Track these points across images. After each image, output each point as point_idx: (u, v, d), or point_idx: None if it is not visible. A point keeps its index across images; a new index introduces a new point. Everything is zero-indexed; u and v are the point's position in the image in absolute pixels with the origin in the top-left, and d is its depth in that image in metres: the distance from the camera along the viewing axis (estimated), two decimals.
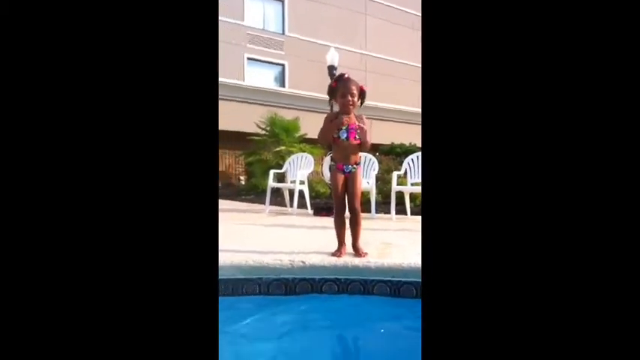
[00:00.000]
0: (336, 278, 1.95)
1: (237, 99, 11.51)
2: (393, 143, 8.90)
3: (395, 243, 2.69)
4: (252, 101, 12.28)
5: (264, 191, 5.58)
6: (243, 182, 10.20)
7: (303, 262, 2.01)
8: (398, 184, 4.43)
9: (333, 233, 2.24)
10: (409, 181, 4.56)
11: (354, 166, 2.22)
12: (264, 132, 8.90)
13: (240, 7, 14.98)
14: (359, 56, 16.87)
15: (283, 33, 16.23)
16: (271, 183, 5.21)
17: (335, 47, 10.72)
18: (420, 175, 4.50)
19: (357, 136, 2.18)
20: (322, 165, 5.66)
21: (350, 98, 2.12)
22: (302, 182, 5.05)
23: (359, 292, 1.91)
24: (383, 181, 5.64)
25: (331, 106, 2.26)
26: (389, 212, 4.36)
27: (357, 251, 2.17)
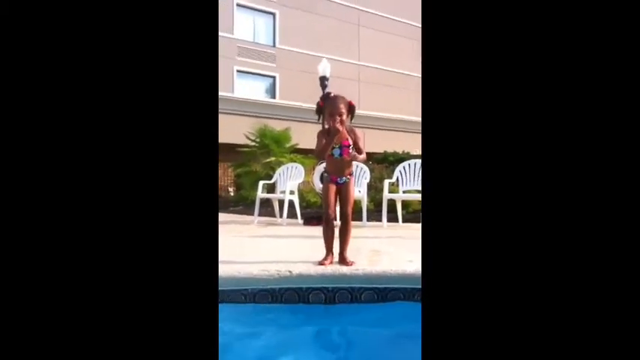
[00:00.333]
0: (324, 287, 1.90)
1: (226, 111, 11.51)
2: (385, 152, 8.92)
3: (384, 250, 2.65)
4: (241, 113, 12.27)
5: (253, 202, 5.52)
6: (232, 194, 10.14)
7: (290, 271, 1.96)
8: (390, 192, 4.42)
9: (322, 242, 2.21)
10: (401, 188, 4.55)
11: (347, 177, 2.25)
12: (253, 143, 8.88)
13: (230, 20, 15.09)
14: (352, 66, 17.07)
15: (274, 45, 16.36)
16: (260, 194, 5.16)
17: (328, 58, 10.83)
18: (411, 182, 4.50)
19: (352, 152, 2.19)
20: (313, 175, 5.63)
21: (338, 118, 2.11)
22: (292, 192, 5.01)
23: (346, 300, 1.86)
24: (375, 189, 5.63)
25: (322, 123, 2.23)
26: (381, 220, 4.33)
27: (344, 261, 2.13)
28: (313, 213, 5.05)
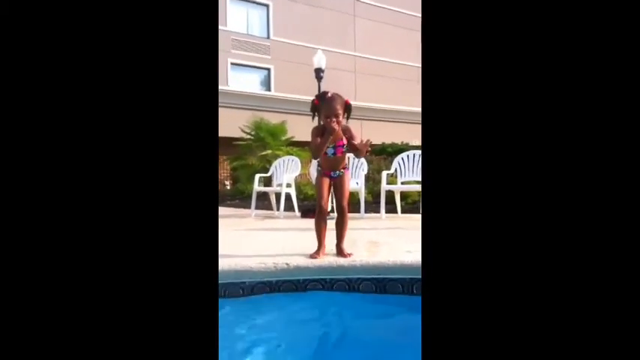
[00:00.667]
0: (321, 278, 1.88)
1: (221, 104, 11.43)
2: (384, 143, 8.90)
3: (383, 241, 2.63)
4: (236, 106, 12.19)
5: (249, 196, 5.50)
6: (228, 187, 10.11)
7: (287, 264, 1.94)
8: (388, 184, 4.40)
9: None
10: (399, 179, 4.54)
11: (342, 170, 2.23)
12: (249, 136, 8.83)
13: (223, 13, 14.92)
14: (348, 57, 16.94)
15: (268, 37, 16.21)
16: (257, 187, 5.14)
17: (323, 49, 10.74)
18: (410, 173, 4.49)
19: (345, 149, 2.18)
20: (310, 167, 5.61)
21: (334, 119, 2.07)
22: (289, 185, 4.99)
23: (344, 290, 1.85)
24: (373, 180, 5.62)
25: (318, 122, 2.20)
26: (379, 212, 4.32)
27: (341, 252, 2.11)
28: (310, 205, 5.04)
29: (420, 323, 0.76)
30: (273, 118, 9.32)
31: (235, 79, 15.25)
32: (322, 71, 10.00)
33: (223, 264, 1.94)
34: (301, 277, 1.89)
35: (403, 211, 4.64)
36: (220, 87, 12.85)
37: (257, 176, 5.40)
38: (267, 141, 8.55)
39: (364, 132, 11.41)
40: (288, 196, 4.98)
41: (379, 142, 9.21)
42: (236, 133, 9.05)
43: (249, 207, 5.35)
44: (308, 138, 2.21)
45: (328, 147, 2.14)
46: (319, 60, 9.97)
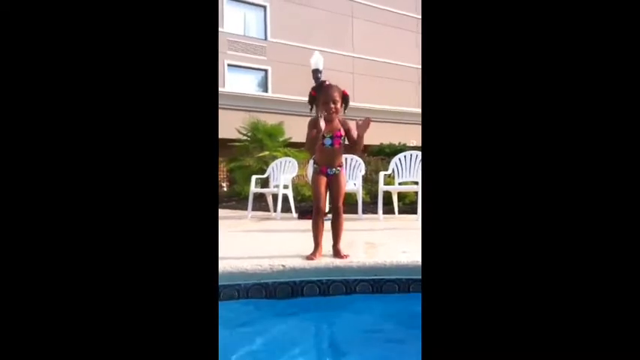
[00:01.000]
0: (318, 280, 1.87)
1: (219, 106, 11.43)
2: (382, 143, 8.88)
3: (380, 242, 2.62)
4: (233, 107, 12.16)
5: (246, 197, 5.48)
6: (225, 189, 10.08)
7: (283, 265, 1.93)
8: (385, 184, 4.39)
9: None
10: (397, 180, 4.53)
11: (338, 168, 2.19)
12: (245, 138, 8.81)
13: (220, 14, 14.90)
14: (346, 58, 16.94)
15: (265, 38, 16.20)
16: (253, 188, 5.12)
17: (321, 50, 10.73)
18: (407, 174, 4.48)
19: (343, 141, 2.14)
20: (307, 168, 5.60)
21: (332, 105, 2.06)
22: (286, 186, 4.97)
23: (341, 292, 1.83)
24: (371, 181, 5.60)
25: (316, 114, 2.17)
26: (377, 212, 4.31)
27: (338, 253, 2.10)
28: (308, 207, 5.02)
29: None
30: (271, 120, 9.30)
31: (232, 80, 15.22)
32: (320, 72, 9.99)
33: (220, 265, 1.92)
34: (297, 279, 1.87)
35: (400, 212, 4.63)
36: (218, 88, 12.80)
37: (254, 177, 5.38)
38: (264, 142, 8.52)
39: None
40: (285, 198, 4.96)
41: (377, 143, 9.21)
42: (233, 135, 9.02)
43: (245, 208, 5.33)
44: (305, 139, 2.18)
45: (325, 137, 2.11)
46: (317, 61, 9.96)
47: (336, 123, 2.11)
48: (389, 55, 17.71)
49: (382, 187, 4.31)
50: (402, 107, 15.77)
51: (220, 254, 2.20)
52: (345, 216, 2.25)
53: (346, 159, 4.55)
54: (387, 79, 17.39)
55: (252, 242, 2.96)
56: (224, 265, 1.93)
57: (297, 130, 7.94)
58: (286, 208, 5.04)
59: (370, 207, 4.82)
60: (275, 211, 4.96)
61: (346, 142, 2.20)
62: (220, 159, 10.25)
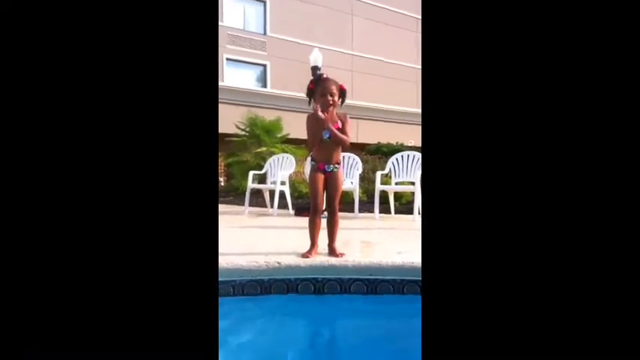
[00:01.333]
0: (313, 278, 1.88)
1: None
2: (379, 143, 8.88)
3: (375, 241, 2.64)
4: (232, 102, 12.11)
5: (243, 192, 5.47)
6: (222, 183, 10.07)
7: (278, 262, 1.94)
8: (382, 184, 4.41)
9: None
10: (393, 180, 4.54)
11: (336, 165, 2.18)
12: (243, 133, 8.79)
13: (220, 8, 14.81)
14: (345, 56, 16.89)
15: (265, 33, 16.13)
16: (251, 184, 5.12)
17: (320, 47, 10.69)
18: (404, 174, 4.49)
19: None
20: (305, 165, 5.60)
21: (330, 97, 2.06)
22: (283, 183, 4.97)
23: (336, 291, 1.85)
24: (368, 180, 5.61)
25: (314, 108, 2.17)
26: (373, 211, 4.32)
27: (333, 252, 2.11)
28: (304, 204, 5.03)
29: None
30: (269, 115, 9.27)
31: (231, 74, 15.15)
32: (319, 69, 9.95)
33: None
34: (292, 277, 1.88)
35: (396, 212, 4.64)
36: None
37: (251, 173, 5.37)
38: (262, 138, 8.51)
39: (360, 130, 11.40)
40: (282, 194, 4.96)
41: (375, 142, 9.22)
42: (231, 130, 8.99)
43: (243, 204, 5.33)
44: (303, 135, 2.19)
45: (324, 129, 2.10)
46: (316, 58, 9.91)
47: (334, 115, 2.12)
48: (388, 54, 17.68)
49: (379, 187, 4.32)
50: (400, 107, 15.77)
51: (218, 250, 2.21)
52: (341, 214, 2.26)
53: (344, 157, 4.56)
54: (386, 78, 17.37)
55: (249, 238, 2.96)
56: (220, 261, 1.93)
57: (295, 126, 7.94)
58: (283, 205, 5.04)
59: (367, 206, 4.84)
60: (272, 207, 4.96)
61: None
62: (218, 153, 10.23)
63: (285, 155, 5.54)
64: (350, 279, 1.87)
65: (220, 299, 1.77)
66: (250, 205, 5.16)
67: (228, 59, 15.19)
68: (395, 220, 4.25)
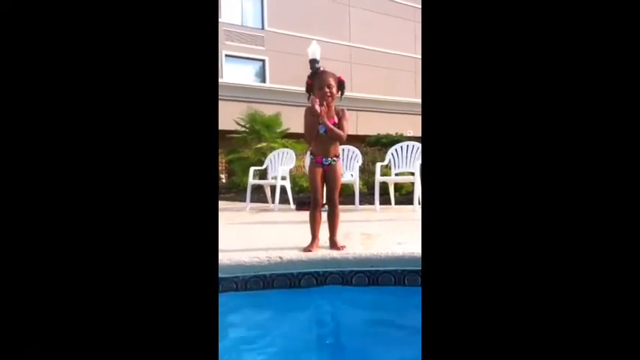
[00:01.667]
0: (315, 271, 1.90)
1: None
2: (379, 134, 8.86)
3: (376, 233, 2.65)
4: (231, 98, 12.07)
5: (245, 189, 5.49)
6: (223, 180, 10.10)
7: (280, 257, 1.95)
8: (382, 175, 4.41)
9: None
10: (393, 171, 4.55)
11: (334, 158, 2.18)
12: (243, 129, 8.79)
13: (217, 5, 14.71)
14: (343, 48, 16.79)
15: (263, 28, 16.04)
16: (252, 180, 5.14)
17: (318, 40, 10.63)
18: (404, 165, 4.50)
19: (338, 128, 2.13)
20: (305, 159, 5.60)
21: (327, 90, 2.06)
22: (283, 178, 4.98)
23: (338, 283, 1.87)
24: (368, 172, 5.62)
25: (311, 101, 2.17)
26: (373, 203, 4.34)
27: (335, 245, 2.12)
28: (305, 198, 5.04)
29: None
30: (268, 110, 9.27)
31: (230, 70, 15.11)
32: (317, 62, 9.90)
33: (218, 258, 1.95)
34: (295, 271, 1.90)
35: (397, 202, 4.65)
36: None
37: (252, 169, 5.39)
38: (262, 133, 8.51)
39: (359, 122, 11.36)
40: (283, 189, 4.98)
41: (374, 133, 9.21)
42: (231, 126, 9.00)
43: (244, 200, 5.35)
44: (303, 129, 2.19)
45: (320, 124, 2.10)
46: (314, 51, 9.87)
47: (331, 110, 2.12)
48: (386, 44, 17.55)
49: (379, 178, 4.32)
50: (399, 97, 15.70)
51: (220, 247, 2.23)
52: (341, 207, 2.27)
53: (343, 150, 4.56)
54: (384, 69, 17.27)
55: (251, 234, 2.98)
56: (222, 258, 1.95)
57: (294, 120, 7.93)
58: (284, 200, 5.06)
59: (367, 197, 4.85)
60: (273, 202, 4.98)
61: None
62: (219, 150, 10.24)
63: (285, 150, 5.55)
64: (351, 271, 1.89)
65: (223, 295, 1.81)
66: (252, 201, 5.19)
67: (226, 55, 15.13)
68: (395, 210, 4.27)
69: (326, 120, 2.08)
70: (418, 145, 4.45)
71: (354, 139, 4.26)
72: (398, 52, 17.51)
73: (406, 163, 4.49)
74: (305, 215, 2.34)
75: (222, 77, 14.30)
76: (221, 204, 6.10)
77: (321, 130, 2.12)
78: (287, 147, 6.60)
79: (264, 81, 15.87)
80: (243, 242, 2.44)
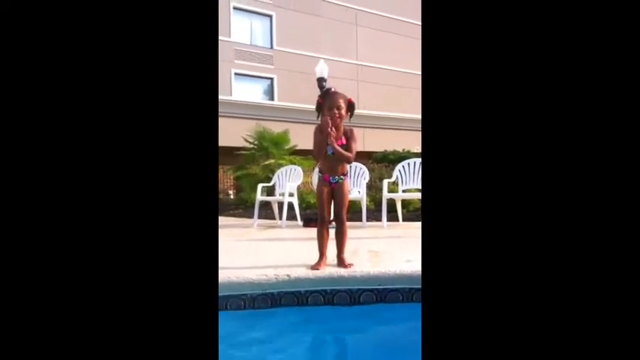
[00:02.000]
0: (322, 289, 1.89)
1: (225, 114, 11.54)
2: (386, 150, 8.89)
3: (384, 251, 2.64)
4: (240, 116, 12.27)
5: (253, 205, 5.51)
6: (232, 197, 10.15)
7: (288, 275, 1.95)
8: (389, 192, 4.41)
9: None
10: (400, 187, 4.54)
11: (342, 176, 2.20)
12: (252, 146, 8.88)
13: (227, 24, 15.09)
14: (350, 66, 17.04)
15: (272, 47, 16.36)
16: (259, 197, 5.16)
17: (325, 59, 10.81)
18: (411, 181, 4.49)
19: (345, 149, 2.16)
20: (312, 176, 5.63)
21: (337, 111, 2.09)
22: (291, 194, 5.00)
23: (345, 302, 1.85)
24: (375, 188, 5.62)
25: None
26: (381, 220, 4.32)
27: (342, 262, 2.12)
28: (312, 215, 5.04)
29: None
30: (276, 127, 9.36)
31: (239, 89, 15.36)
32: (325, 80, 10.04)
33: (224, 276, 1.95)
34: (302, 289, 1.89)
35: (404, 219, 4.63)
36: (224, 97, 12.95)
37: (260, 186, 5.42)
38: (270, 150, 8.58)
39: (366, 139, 11.41)
40: (290, 206, 4.99)
41: (381, 150, 9.23)
42: (239, 143, 9.10)
43: (252, 216, 5.36)
44: (311, 146, 2.22)
45: (328, 145, 2.12)
46: (321, 69, 10.02)
47: (340, 131, 2.14)
48: (393, 62, 17.77)
49: (386, 195, 4.32)
50: (405, 114, 15.78)
51: (227, 264, 2.24)
52: (349, 223, 2.27)
53: (350, 167, 4.58)
54: (391, 86, 17.44)
55: (259, 251, 2.99)
56: (230, 275, 1.96)
57: (302, 137, 7.99)
58: (292, 216, 5.06)
59: (374, 214, 4.83)
60: (280, 219, 4.99)
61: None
62: (227, 167, 10.32)
63: (293, 167, 5.58)
64: (359, 289, 1.88)
65: (231, 313, 1.80)
66: (259, 217, 5.19)
67: (236, 74, 15.42)
68: (403, 227, 4.24)
69: (335, 144, 2.10)
70: None
71: (361, 156, 4.28)
72: (404, 70, 17.71)
73: (413, 180, 4.49)
74: (312, 232, 2.34)
75: (231, 95, 14.54)
76: (229, 220, 6.12)
77: (329, 152, 2.14)
78: (295, 163, 6.64)
79: (272, 99, 16.10)
80: (252, 259, 2.44)
